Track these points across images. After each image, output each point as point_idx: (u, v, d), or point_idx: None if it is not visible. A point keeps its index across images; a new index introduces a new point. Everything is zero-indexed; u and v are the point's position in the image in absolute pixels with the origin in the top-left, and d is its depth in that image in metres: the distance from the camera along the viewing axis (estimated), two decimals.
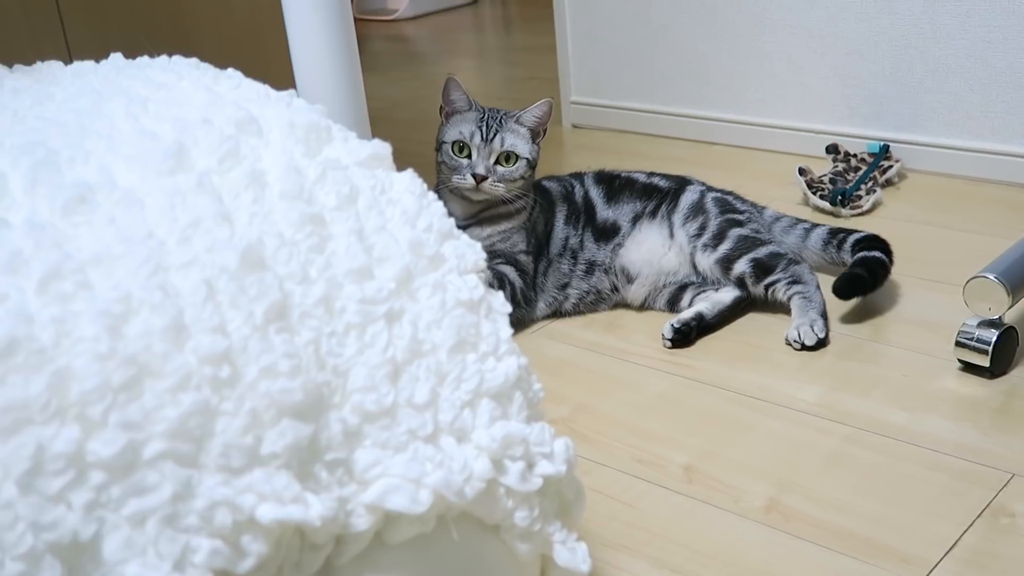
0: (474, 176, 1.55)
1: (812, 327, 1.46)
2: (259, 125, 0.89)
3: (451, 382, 0.83)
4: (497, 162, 1.57)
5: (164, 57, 1.10)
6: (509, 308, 0.91)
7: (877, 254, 1.57)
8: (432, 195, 0.94)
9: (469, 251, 0.91)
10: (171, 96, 0.96)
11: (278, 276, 0.77)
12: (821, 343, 1.46)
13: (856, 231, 1.65)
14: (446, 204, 1.59)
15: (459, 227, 1.57)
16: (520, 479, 0.83)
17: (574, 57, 2.66)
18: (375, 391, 0.78)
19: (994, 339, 1.32)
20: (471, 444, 0.82)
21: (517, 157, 1.57)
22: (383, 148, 0.94)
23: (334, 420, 0.75)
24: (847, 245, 1.63)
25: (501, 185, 1.57)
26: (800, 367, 1.42)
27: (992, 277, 1.32)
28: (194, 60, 1.07)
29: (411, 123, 2.92)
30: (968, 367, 1.36)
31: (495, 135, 1.56)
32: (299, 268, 0.79)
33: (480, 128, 1.56)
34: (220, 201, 0.79)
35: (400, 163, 1.68)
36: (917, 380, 1.36)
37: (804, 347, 1.46)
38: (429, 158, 1.64)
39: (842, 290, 1.53)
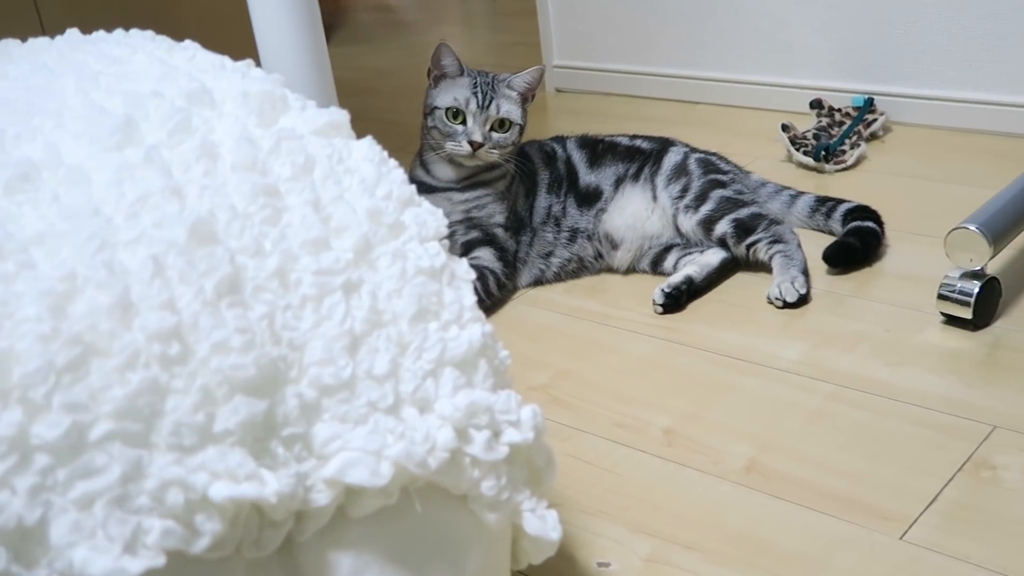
0: (471, 143, 1.53)
1: (793, 284, 1.45)
2: (212, 96, 0.88)
3: (413, 352, 0.81)
4: (492, 128, 1.55)
5: (120, 30, 1.08)
6: (472, 275, 0.89)
7: (870, 224, 1.56)
8: (392, 162, 0.92)
9: (430, 218, 0.89)
10: (124, 70, 0.94)
11: (230, 250, 0.76)
12: (803, 300, 1.45)
13: (845, 201, 1.63)
14: (431, 168, 1.60)
15: (441, 189, 1.58)
16: (486, 448, 0.82)
17: (555, 20, 2.63)
18: (333, 364, 0.76)
19: (976, 291, 1.31)
20: (434, 414, 0.80)
21: (511, 123, 1.56)
22: (340, 116, 0.92)
23: (290, 395, 0.74)
24: (837, 214, 1.61)
25: (495, 151, 1.55)
26: (782, 325, 1.41)
27: (973, 228, 1.30)
28: (150, 33, 1.05)
29: (399, 92, 2.90)
30: (951, 319, 1.35)
31: (491, 102, 1.54)
32: (252, 241, 0.77)
33: (475, 94, 1.54)
34: (169, 175, 0.78)
35: (388, 134, 1.67)
36: (900, 334, 1.35)
37: (786, 304, 1.45)
38: (410, 126, 1.62)
39: (833, 257, 1.52)
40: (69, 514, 0.63)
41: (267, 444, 0.72)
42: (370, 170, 0.89)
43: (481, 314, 0.88)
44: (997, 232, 1.31)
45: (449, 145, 1.55)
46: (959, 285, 1.32)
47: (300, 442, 0.74)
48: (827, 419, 1.19)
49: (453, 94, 1.55)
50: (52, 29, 2.23)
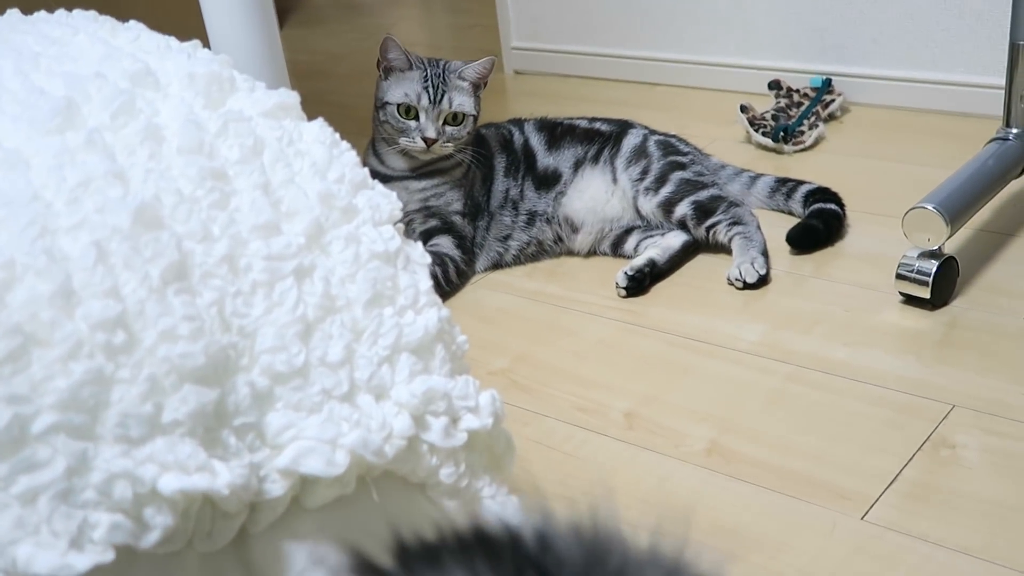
0: (424, 139, 1.51)
1: (753, 264, 1.45)
2: (156, 78, 0.85)
3: (367, 338, 0.80)
4: (446, 122, 1.53)
5: (62, 11, 1.05)
6: (428, 259, 0.88)
7: (832, 206, 1.56)
8: (344, 144, 0.90)
9: (384, 201, 0.87)
10: (65, 51, 0.91)
11: (176, 235, 0.73)
12: (763, 280, 1.45)
13: (806, 182, 1.64)
14: (385, 158, 1.57)
15: (397, 179, 1.56)
16: (443, 435, 0.81)
17: (513, 2, 2.61)
18: (285, 351, 0.74)
19: (934, 270, 1.31)
20: (390, 401, 0.79)
21: (464, 116, 1.54)
22: (290, 97, 0.89)
23: (242, 383, 0.72)
24: (798, 195, 1.62)
25: (450, 144, 1.53)
26: (742, 307, 1.41)
27: (931, 207, 1.30)
28: (92, 13, 1.02)
29: (351, 76, 2.86)
30: (909, 299, 1.35)
31: (443, 95, 1.52)
32: (200, 226, 0.75)
33: (427, 89, 1.51)
34: (112, 159, 0.75)
35: (342, 117, 1.64)
36: (859, 315, 1.35)
37: (746, 285, 1.44)
38: (364, 110, 1.59)
39: (797, 240, 1.52)
40: (12, 510, 0.61)
41: (218, 434, 0.70)
42: (321, 152, 0.86)
43: (437, 299, 0.87)
44: (954, 211, 1.31)
45: (403, 140, 1.52)
46: (917, 265, 1.32)
47: (253, 431, 0.73)
48: (787, 400, 1.19)
49: (404, 89, 1.52)
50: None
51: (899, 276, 1.34)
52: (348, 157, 0.89)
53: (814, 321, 1.35)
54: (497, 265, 1.60)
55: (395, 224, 0.88)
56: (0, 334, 0.63)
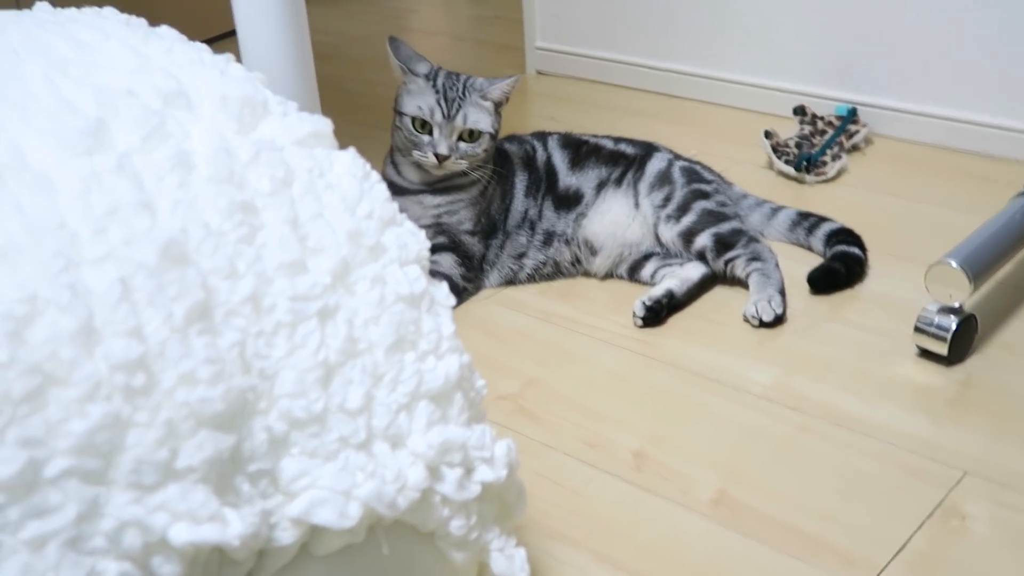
0: (436, 155, 1.48)
1: (770, 303, 1.43)
2: (188, 98, 0.83)
3: (387, 384, 0.78)
4: (460, 138, 1.50)
5: (93, 10, 1.03)
6: (453, 301, 0.86)
7: (855, 251, 1.54)
8: (375, 176, 0.88)
9: (412, 240, 0.86)
10: (95, 58, 0.88)
11: (202, 271, 0.72)
12: (779, 319, 1.43)
13: (828, 220, 1.62)
14: (402, 169, 1.55)
15: (412, 192, 1.54)
16: (457, 487, 0.79)
17: (540, 0, 2.58)
18: (304, 396, 0.73)
19: (953, 327, 1.30)
20: (406, 450, 0.78)
21: (480, 133, 1.51)
22: (324, 125, 0.88)
23: (258, 428, 0.71)
24: (819, 233, 1.60)
25: (464, 161, 1.51)
26: (756, 346, 1.39)
27: (954, 264, 1.29)
28: (123, 16, 1.00)
29: (369, 62, 2.83)
30: (925, 352, 1.34)
31: (457, 111, 1.48)
32: (226, 262, 0.74)
33: (440, 104, 1.48)
34: (141, 186, 0.74)
35: (357, 106, 1.60)
36: (873, 364, 1.34)
37: (762, 323, 1.43)
38: (383, 100, 1.56)
39: (818, 282, 1.51)
40: (20, 555, 0.60)
41: (232, 480, 0.69)
42: (352, 186, 0.85)
43: (459, 343, 0.85)
44: (978, 269, 1.30)
45: (416, 154, 1.50)
46: (936, 320, 1.31)
47: (267, 478, 0.71)
48: (796, 451, 1.18)
49: (418, 102, 1.49)
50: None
51: (917, 329, 1.33)
52: (378, 191, 0.87)
53: (827, 368, 1.33)
54: (510, 282, 1.58)
55: (421, 263, 0.87)
56: (19, 373, 0.62)
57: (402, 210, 1.52)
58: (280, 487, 0.72)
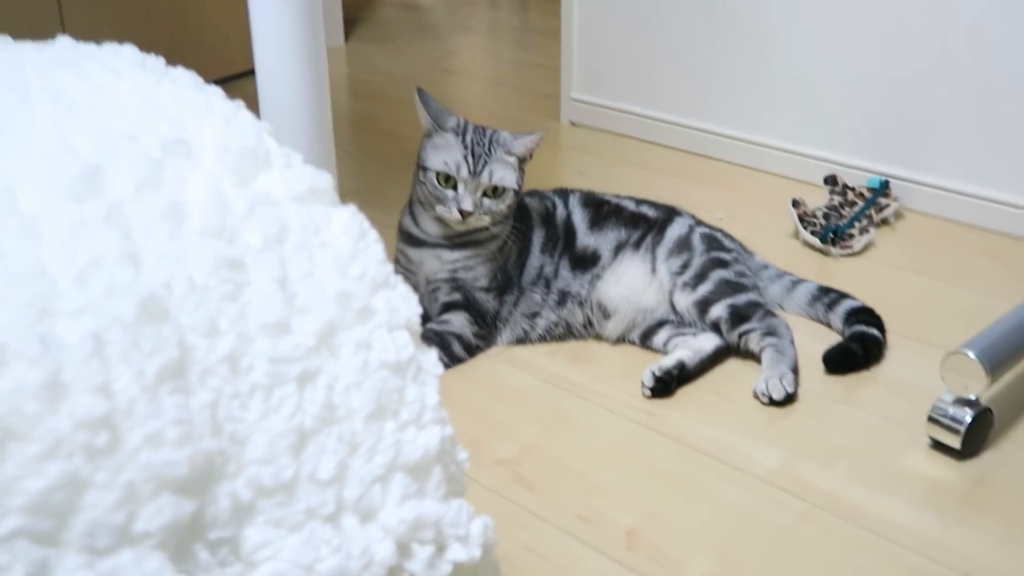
0: (460, 211, 1.47)
1: (781, 380, 1.40)
2: (189, 147, 0.82)
3: (363, 454, 0.76)
4: (485, 194, 1.49)
5: (113, 47, 1.03)
6: (440, 370, 0.84)
7: (874, 332, 1.51)
8: (372, 235, 0.86)
9: (403, 304, 0.84)
10: (104, 100, 0.88)
11: (181, 328, 0.70)
12: (789, 398, 1.40)
13: (849, 297, 1.59)
14: (421, 221, 1.54)
15: (430, 245, 1.52)
16: (427, 566, 0.77)
17: (579, 52, 2.58)
18: (274, 463, 0.71)
19: (968, 420, 1.26)
20: (376, 525, 0.75)
21: (504, 189, 1.50)
22: (323, 181, 0.86)
23: (223, 494, 0.69)
24: (839, 310, 1.57)
25: (487, 217, 1.49)
26: (764, 425, 1.36)
27: (972, 355, 1.25)
28: (140, 57, 1.00)
29: (404, 102, 2.83)
30: (938, 444, 1.30)
31: (483, 167, 1.47)
32: (207, 319, 0.72)
33: (467, 160, 1.47)
34: (128, 237, 0.73)
35: (389, 145, 1.58)
36: (883, 453, 1.30)
37: (772, 401, 1.40)
38: (415, 141, 1.54)
39: (834, 362, 1.47)
40: None
41: (190, 547, 0.67)
42: (346, 245, 0.83)
43: (444, 414, 0.83)
44: (996, 361, 1.26)
45: (439, 209, 1.49)
46: (951, 411, 1.27)
47: (227, 546, 0.69)
48: (795, 542, 1.14)
49: (444, 157, 1.48)
50: (73, 31, 2.18)
51: (931, 419, 1.29)
52: (374, 251, 0.85)
53: (836, 454, 1.30)
54: (522, 341, 1.56)
55: (412, 329, 0.85)
56: None
57: (418, 262, 1.53)
58: (241, 556, 0.70)
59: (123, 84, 0.92)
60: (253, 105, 1.02)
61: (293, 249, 0.80)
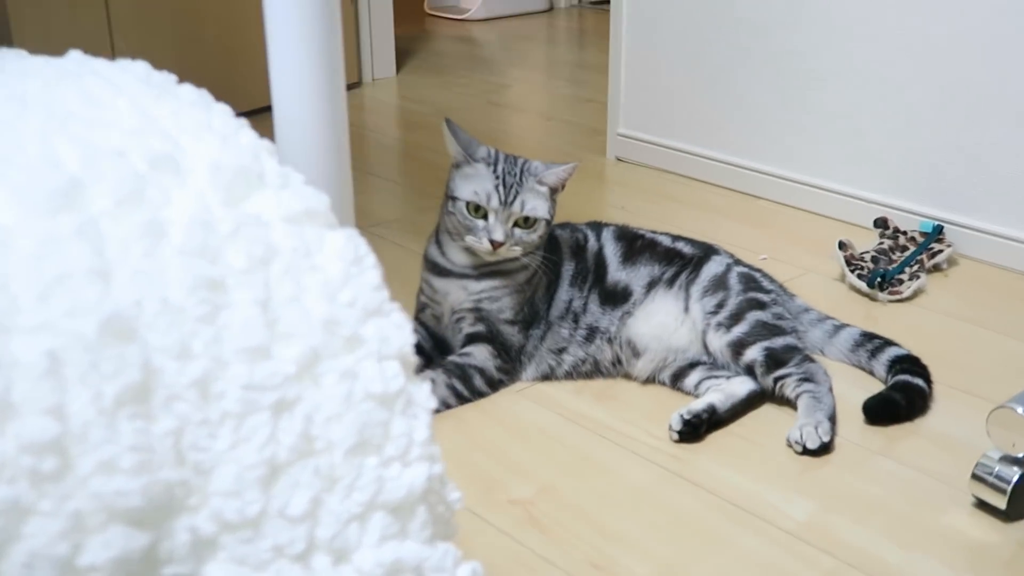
0: (491, 242, 1.43)
1: (817, 429, 1.33)
2: (178, 163, 0.79)
3: (341, 490, 0.72)
4: (516, 225, 1.45)
5: (123, 62, 1.01)
6: (434, 403, 0.80)
7: (919, 382, 1.43)
8: (369, 261, 0.82)
9: (395, 334, 0.79)
10: (100, 115, 0.85)
11: (149, 349, 0.67)
12: (824, 448, 1.32)
13: (894, 344, 1.52)
14: (447, 251, 1.50)
15: (456, 275, 1.48)
16: None
17: (626, 87, 2.54)
18: (240, 497, 0.67)
19: (1015, 479, 1.18)
20: (351, 566, 0.71)
21: (536, 220, 1.45)
22: (319, 202, 0.83)
23: (182, 528, 0.65)
24: (883, 357, 1.49)
25: (518, 248, 1.45)
26: (797, 475, 1.29)
27: (1020, 411, 1.17)
28: (147, 73, 0.97)
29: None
30: (983, 504, 1.21)
31: (515, 197, 1.43)
32: (179, 341, 0.68)
33: (498, 190, 1.43)
34: (100, 253, 0.69)
35: (430, 176, 1.55)
36: (923, 511, 1.22)
37: (806, 451, 1.32)
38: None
39: (874, 411, 1.40)
40: None
41: None
42: (338, 270, 0.79)
43: (435, 451, 0.78)
44: None
45: (469, 239, 1.45)
46: (996, 469, 1.19)
47: None
48: None
49: (474, 187, 1.44)
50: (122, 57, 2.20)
51: (975, 477, 1.21)
52: (368, 277, 0.81)
53: (872, 509, 1.22)
54: (547, 377, 1.51)
55: (404, 360, 0.80)
56: None
57: (443, 292, 1.49)
58: None
59: (121, 99, 0.90)
60: None
61: (280, 272, 0.76)
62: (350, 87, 3.32)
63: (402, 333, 0.81)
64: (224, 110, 0.94)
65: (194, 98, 0.95)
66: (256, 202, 0.81)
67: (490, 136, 2.41)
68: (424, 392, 0.80)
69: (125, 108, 0.88)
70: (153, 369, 0.66)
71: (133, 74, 0.98)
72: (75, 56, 1.02)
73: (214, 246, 0.74)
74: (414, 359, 0.82)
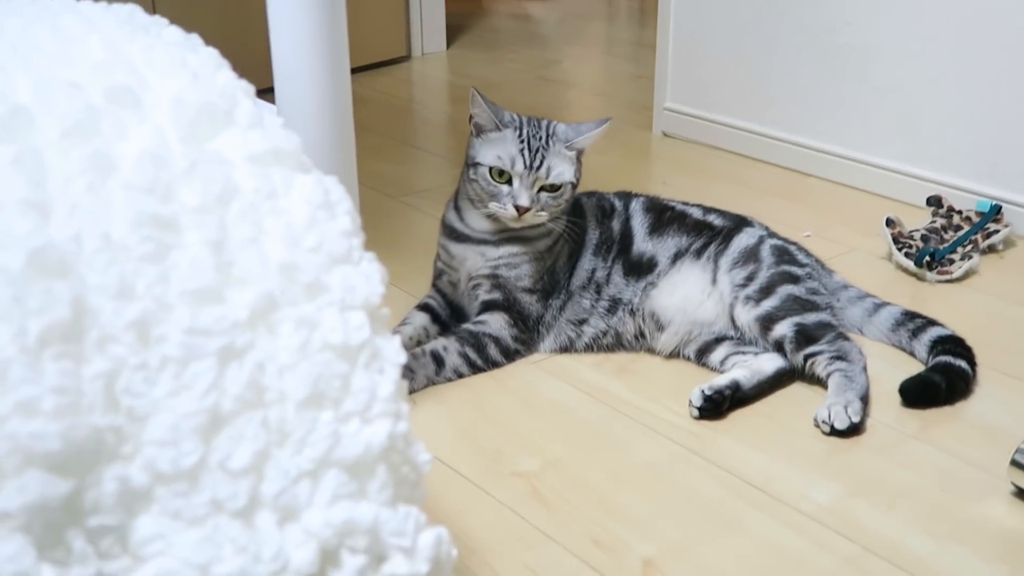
0: (516, 207, 1.37)
1: (847, 409, 1.25)
2: (138, 98, 0.75)
3: (292, 444, 0.67)
4: (542, 189, 1.39)
5: (103, 3, 0.97)
6: (403, 358, 0.74)
7: (961, 364, 1.34)
8: (342, 207, 0.77)
9: (362, 282, 0.75)
10: (67, 51, 0.82)
11: (84, 287, 0.62)
12: (854, 429, 1.25)
13: (937, 324, 1.43)
14: (466, 216, 1.44)
15: (475, 241, 1.43)
16: None
17: (673, 61, 2.46)
18: (175, 447, 0.62)
19: None
20: (298, 526, 0.66)
21: (563, 184, 1.39)
22: (289, 143, 0.78)
23: (111, 477, 0.60)
24: (924, 338, 1.41)
25: (544, 213, 1.39)
26: (823, 457, 1.22)
27: None
28: (129, 13, 0.93)
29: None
30: (1021, 492, 1.13)
31: (541, 162, 1.37)
32: (118, 280, 0.64)
33: (523, 154, 1.37)
34: (38, 185, 0.65)
35: (463, 147, 1.50)
36: (956, 498, 1.14)
37: (833, 431, 1.25)
38: None
39: (912, 393, 1.32)
40: None
41: (62, 533, 0.59)
42: (304, 214, 0.74)
43: (400, 409, 0.73)
44: None
45: (493, 205, 1.39)
46: None
47: (112, 535, 0.61)
48: None
49: (497, 151, 1.38)
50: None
51: (1014, 463, 1.13)
52: (337, 224, 0.76)
53: (901, 494, 1.14)
54: (566, 349, 1.45)
55: (372, 310, 0.75)
56: None
57: (460, 258, 1.44)
58: (128, 548, 0.61)
59: (94, 36, 0.86)
60: None
61: (238, 213, 0.72)
62: (397, 61, 3.28)
63: (370, 283, 0.76)
64: (210, 52, 0.90)
65: (177, 39, 0.91)
66: (223, 140, 0.76)
67: (534, 109, 2.34)
68: (393, 346, 0.75)
69: (96, 44, 0.84)
70: (87, 308, 0.62)
71: (115, 14, 0.94)
72: None
73: (166, 182, 0.70)
74: (385, 311, 0.77)
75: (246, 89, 0.85)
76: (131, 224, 0.66)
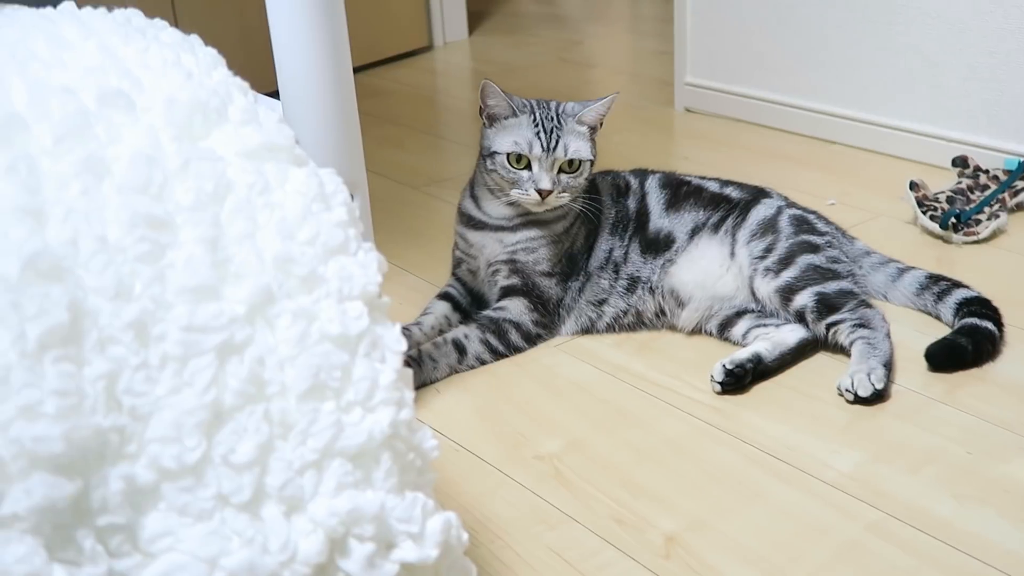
0: (539, 191, 1.37)
1: (870, 376, 1.24)
2: (131, 100, 0.76)
3: (295, 436, 0.68)
4: (561, 170, 1.39)
5: (117, 11, 0.98)
6: (403, 345, 0.75)
7: (988, 325, 1.32)
8: (338, 198, 0.78)
9: (359, 272, 0.75)
10: (63, 57, 0.83)
11: (82, 289, 0.64)
12: (878, 396, 1.23)
13: (962, 286, 1.41)
14: (483, 203, 1.45)
15: (492, 227, 1.43)
16: (366, 565, 0.68)
17: (693, 34, 2.44)
18: (178, 443, 0.63)
19: None
20: (304, 516, 0.67)
21: (581, 162, 1.39)
22: (283, 137, 0.79)
23: (116, 476, 0.62)
24: (950, 300, 1.39)
25: (566, 194, 1.39)
26: (845, 425, 1.21)
27: None
28: (127, 17, 0.94)
29: (514, 91, 2.76)
30: None
31: (557, 142, 1.37)
32: (115, 281, 0.65)
33: (539, 135, 1.37)
34: (33, 191, 0.66)
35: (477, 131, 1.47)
36: (982, 460, 1.13)
37: (857, 399, 1.24)
38: None
39: (937, 357, 1.30)
40: None
41: (72, 533, 0.60)
42: (298, 206, 0.75)
43: (403, 396, 0.74)
44: None
45: (515, 193, 1.39)
46: None
47: (122, 534, 0.62)
48: (861, 555, 0.99)
49: (514, 137, 1.38)
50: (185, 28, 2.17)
51: None
52: (332, 216, 0.77)
53: (927, 459, 1.13)
54: (587, 331, 1.45)
55: (370, 299, 0.76)
56: None
57: (479, 245, 1.44)
58: (139, 546, 0.62)
59: (90, 42, 0.87)
60: None
61: (232, 209, 0.73)
62: (420, 51, 3.28)
63: (368, 272, 0.76)
64: (207, 52, 0.91)
65: (173, 40, 0.92)
66: (217, 138, 0.77)
67: (556, 91, 2.34)
68: (394, 334, 0.76)
69: (93, 51, 0.85)
70: (85, 310, 0.63)
71: (113, 19, 0.95)
72: (65, 6, 1.00)
73: (159, 182, 0.70)
74: (385, 299, 0.78)
75: (241, 86, 0.86)
76: (126, 225, 0.67)
